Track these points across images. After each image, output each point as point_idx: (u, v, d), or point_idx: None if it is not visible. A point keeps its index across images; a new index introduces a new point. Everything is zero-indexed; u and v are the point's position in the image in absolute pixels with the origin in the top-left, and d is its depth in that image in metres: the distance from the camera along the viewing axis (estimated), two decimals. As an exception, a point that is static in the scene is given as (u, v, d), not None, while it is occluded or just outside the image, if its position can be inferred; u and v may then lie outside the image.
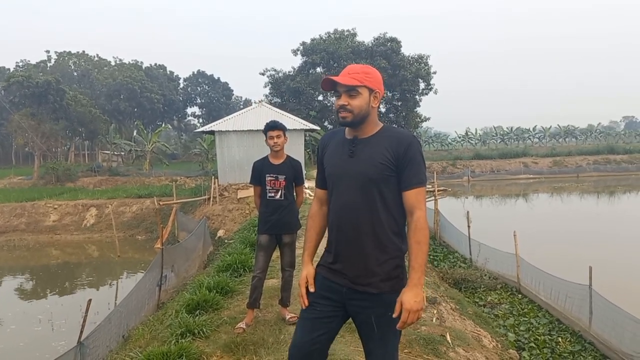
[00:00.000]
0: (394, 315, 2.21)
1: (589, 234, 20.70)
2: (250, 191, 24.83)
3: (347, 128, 2.45)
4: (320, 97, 45.08)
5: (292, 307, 5.34)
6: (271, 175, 4.91)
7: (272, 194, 4.93)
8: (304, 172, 6.33)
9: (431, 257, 15.70)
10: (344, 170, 2.37)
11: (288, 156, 5.03)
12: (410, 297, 2.18)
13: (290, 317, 5.06)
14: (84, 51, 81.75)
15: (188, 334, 4.75)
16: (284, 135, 4.93)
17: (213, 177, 25.05)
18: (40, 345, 10.62)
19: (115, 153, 57.06)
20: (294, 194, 5.12)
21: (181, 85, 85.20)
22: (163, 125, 70.40)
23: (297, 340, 2.48)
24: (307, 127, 25.36)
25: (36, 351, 10.26)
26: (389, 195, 2.31)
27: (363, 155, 2.34)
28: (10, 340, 11.23)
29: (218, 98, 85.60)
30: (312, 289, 2.47)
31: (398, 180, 2.31)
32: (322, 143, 2.61)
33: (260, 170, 4.98)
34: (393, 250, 2.35)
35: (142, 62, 78.92)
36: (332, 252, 2.44)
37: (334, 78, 2.34)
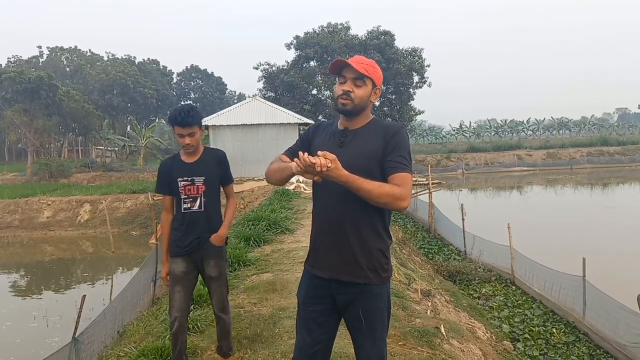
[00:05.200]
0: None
1: (583, 226, 20.81)
2: (246, 186, 24.92)
3: (340, 119, 2.46)
4: (315, 92, 44.94)
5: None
6: (185, 178, 3.58)
7: (188, 205, 3.60)
8: None
9: (426, 250, 15.78)
10: None
11: (206, 148, 3.75)
12: (339, 166, 2.09)
13: None
14: (76, 47, 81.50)
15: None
16: (200, 130, 3.61)
17: (207, 172, 24.96)
18: (36, 341, 10.61)
19: (109, 149, 56.87)
20: (219, 202, 3.78)
21: (175, 80, 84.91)
22: (157, 120, 70.10)
23: (300, 344, 2.50)
24: (302, 122, 25.33)
25: (32, 348, 10.25)
26: None
27: (352, 146, 2.35)
28: (7, 337, 11.23)
29: (212, 93, 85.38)
30: None
31: (384, 167, 2.29)
32: (316, 126, 2.62)
33: (169, 173, 3.63)
34: (379, 241, 2.36)
35: (135, 57, 78.63)
36: (317, 242, 2.45)
37: (349, 61, 2.34)
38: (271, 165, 2.51)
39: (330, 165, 2.05)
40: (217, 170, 3.68)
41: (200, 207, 3.60)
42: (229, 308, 3.83)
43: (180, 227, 3.62)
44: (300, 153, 2.10)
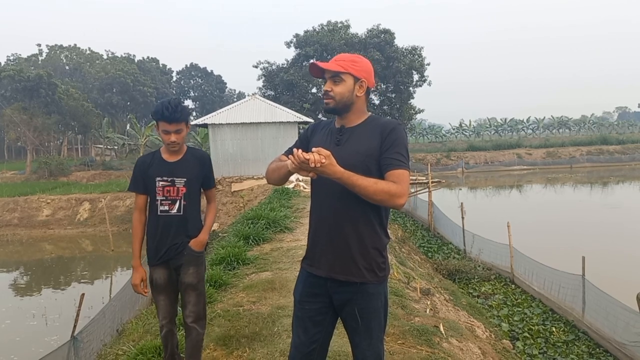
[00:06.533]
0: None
1: (582, 225, 20.81)
2: (245, 184, 24.91)
3: (336, 118, 2.45)
4: (314, 90, 44.83)
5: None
6: (164, 178, 3.28)
7: (166, 207, 3.29)
8: None
9: (425, 248, 15.78)
10: None
11: (189, 148, 3.45)
12: (334, 162, 2.09)
13: None
14: (75, 44, 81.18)
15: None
16: (187, 127, 3.31)
17: (207, 170, 24.95)
18: (35, 339, 10.62)
19: (109, 147, 56.81)
20: (199, 207, 3.48)
21: (174, 79, 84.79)
22: (156, 118, 69.89)
23: (295, 342, 2.49)
24: (301, 120, 25.30)
25: (31, 346, 10.25)
26: None
27: (349, 144, 2.34)
28: (6, 335, 11.25)
29: (211, 91, 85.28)
30: None
31: (381, 164, 2.27)
32: (314, 125, 2.62)
33: (147, 171, 3.32)
34: (376, 240, 2.34)
35: (134, 56, 78.42)
36: (314, 241, 2.44)
37: (318, 63, 2.35)
38: (270, 165, 2.53)
39: (323, 160, 2.05)
40: (199, 171, 3.37)
41: (179, 210, 3.29)
42: (205, 321, 3.56)
43: (155, 232, 3.32)
44: (294, 150, 2.11)
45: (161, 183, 3.27)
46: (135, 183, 3.36)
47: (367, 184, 2.13)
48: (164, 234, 3.30)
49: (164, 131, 3.22)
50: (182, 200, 3.29)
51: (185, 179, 3.30)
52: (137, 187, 3.35)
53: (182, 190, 3.29)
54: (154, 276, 3.37)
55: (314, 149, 2.08)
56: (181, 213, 3.30)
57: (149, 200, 3.35)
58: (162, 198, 3.28)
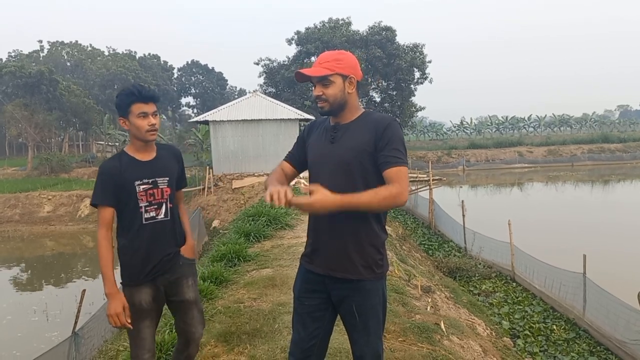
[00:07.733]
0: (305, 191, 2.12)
1: (583, 223, 20.80)
2: (246, 181, 24.90)
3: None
4: (315, 87, 44.94)
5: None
6: (144, 180, 2.80)
7: (152, 213, 2.82)
8: None
9: (426, 246, 15.79)
10: (325, 156, 2.36)
11: (157, 143, 2.96)
12: (323, 195, 2.08)
13: None
14: (77, 41, 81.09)
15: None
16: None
17: (207, 167, 25.04)
18: (36, 335, 10.65)
19: (110, 144, 56.75)
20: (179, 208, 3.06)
21: (175, 75, 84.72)
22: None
23: (295, 338, 2.50)
24: (302, 117, 25.27)
25: (32, 342, 10.28)
26: (370, 180, 2.27)
27: (343, 141, 2.33)
28: (7, 331, 11.27)
29: (212, 88, 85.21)
30: None
31: (378, 162, 2.26)
32: (310, 125, 2.62)
33: (120, 177, 2.77)
34: (373, 237, 2.34)
35: (135, 52, 78.37)
36: (312, 238, 2.46)
37: (303, 71, 2.33)
38: (270, 175, 2.54)
39: (283, 202, 2.05)
40: (177, 168, 2.98)
41: (166, 214, 2.86)
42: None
43: (141, 245, 2.81)
44: (266, 192, 2.13)
45: (142, 187, 2.79)
46: (103, 194, 2.76)
47: (369, 198, 2.13)
48: (154, 245, 2.83)
49: (140, 114, 2.74)
50: (168, 203, 2.87)
51: (167, 178, 2.88)
52: (106, 199, 2.76)
53: (166, 192, 2.86)
54: (136, 298, 2.82)
55: (280, 189, 2.08)
56: (169, 217, 2.88)
57: (125, 210, 2.82)
58: (146, 204, 2.80)
